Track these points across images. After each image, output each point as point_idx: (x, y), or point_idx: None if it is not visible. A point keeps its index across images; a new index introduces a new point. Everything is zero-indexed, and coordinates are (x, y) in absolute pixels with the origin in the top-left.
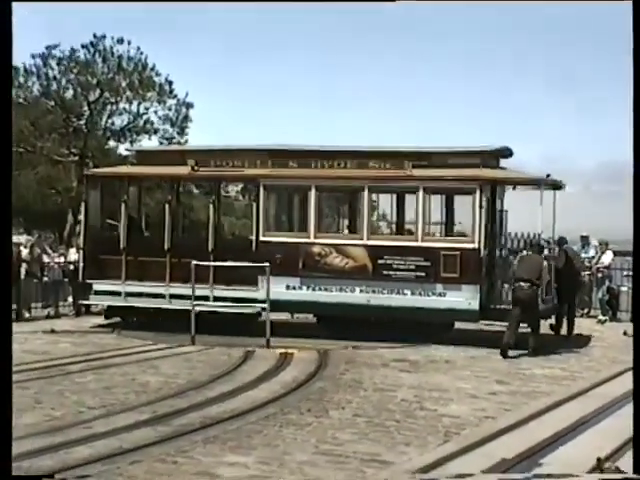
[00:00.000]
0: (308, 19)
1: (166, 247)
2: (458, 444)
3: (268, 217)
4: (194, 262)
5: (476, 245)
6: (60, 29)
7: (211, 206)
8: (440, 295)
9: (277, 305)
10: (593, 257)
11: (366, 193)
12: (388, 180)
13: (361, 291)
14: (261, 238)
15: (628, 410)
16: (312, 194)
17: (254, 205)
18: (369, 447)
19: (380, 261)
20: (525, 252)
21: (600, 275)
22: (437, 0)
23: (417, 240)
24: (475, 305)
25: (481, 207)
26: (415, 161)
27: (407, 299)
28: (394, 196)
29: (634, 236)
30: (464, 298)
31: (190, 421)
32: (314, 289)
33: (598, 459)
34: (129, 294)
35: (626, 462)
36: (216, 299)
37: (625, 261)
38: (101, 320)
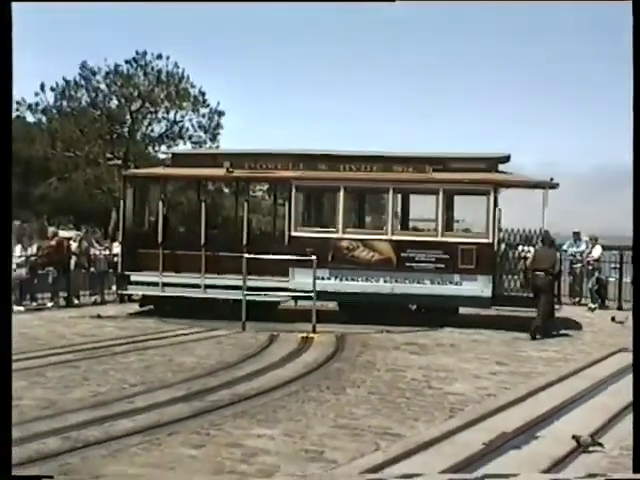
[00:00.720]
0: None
1: (202, 242)
2: (462, 419)
3: (299, 214)
4: (246, 255)
5: (490, 240)
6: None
7: (245, 204)
8: (457, 284)
9: (303, 292)
10: (584, 251)
11: (391, 194)
12: (412, 182)
13: (385, 281)
14: (293, 233)
15: (615, 389)
16: (341, 194)
17: (286, 203)
18: (382, 421)
19: (403, 254)
20: (539, 245)
21: (590, 267)
22: (438, 0)
23: (437, 235)
24: (488, 293)
25: (495, 206)
26: (434, 165)
27: (427, 288)
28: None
29: (634, 232)
30: (478, 287)
31: (221, 397)
32: (342, 279)
33: (573, 436)
34: (166, 284)
35: (611, 436)
36: (250, 289)
37: (612, 254)
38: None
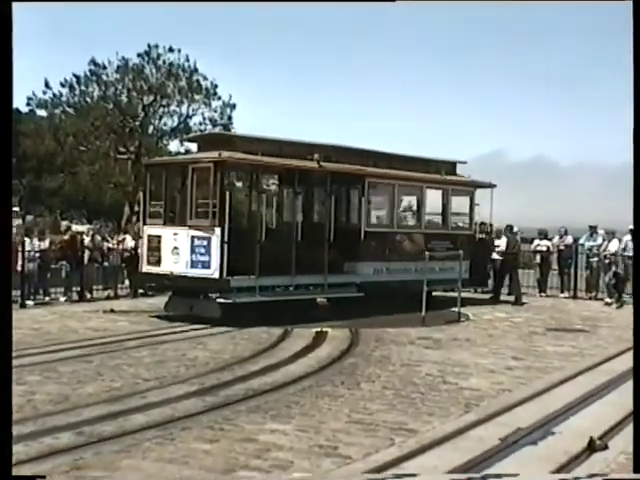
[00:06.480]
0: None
1: (298, 239)
2: (477, 414)
3: (370, 211)
4: (428, 254)
5: (472, 232)
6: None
7: (333, 200)
8: (454, 269)
9: (367, 286)
10: (600, 245)
11: (424, 192)
12: (437, 182)
13: (416, 271)
14: (366, 229)
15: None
16: (396, 191)
17: (362, 200)
18: (396, 417)
19: (429, 245)
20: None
21: (607, 261)
22: (437, 0)
23: (448, 228)
24: (467, 274)
25: (475, 204)
26: (442, 168)
27: (437, 273)
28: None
29: (634, 230)
30: (465, 270)
31: (235, 392)
32: (391, 271)
33: (590, 439)
34: (262, 288)
35: (626, 433)
36: (330, 286)
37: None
38: (154, 301)
